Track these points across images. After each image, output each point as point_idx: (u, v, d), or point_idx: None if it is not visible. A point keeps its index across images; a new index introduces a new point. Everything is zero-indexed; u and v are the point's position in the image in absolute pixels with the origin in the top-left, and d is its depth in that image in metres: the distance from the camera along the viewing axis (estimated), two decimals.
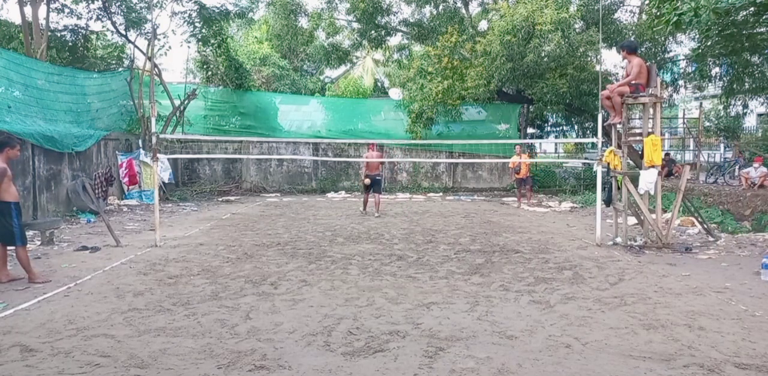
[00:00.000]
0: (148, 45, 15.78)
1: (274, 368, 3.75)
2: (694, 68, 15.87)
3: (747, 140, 20.02)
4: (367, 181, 12.03)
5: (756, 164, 12.17)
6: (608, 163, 8.67)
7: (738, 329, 4.52)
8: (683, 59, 17.18)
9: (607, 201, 9.24)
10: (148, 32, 15.80)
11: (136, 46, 16.31)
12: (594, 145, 10.50)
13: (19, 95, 10.93)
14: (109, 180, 12.92)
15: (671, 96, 18.71)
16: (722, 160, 20.25)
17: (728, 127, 21.52)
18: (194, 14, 16.24)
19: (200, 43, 17.21)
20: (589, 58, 15.59)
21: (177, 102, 16.06)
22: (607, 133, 10.37)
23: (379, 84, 28.77)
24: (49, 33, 14.12)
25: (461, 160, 18.16)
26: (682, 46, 17.72)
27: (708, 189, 12.35)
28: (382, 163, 13.06)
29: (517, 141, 17.80)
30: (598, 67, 14.68)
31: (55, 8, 14.81)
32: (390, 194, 17.69)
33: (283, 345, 4.16)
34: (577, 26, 15.71)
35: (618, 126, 8.57)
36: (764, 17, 9.11)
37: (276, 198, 16.60)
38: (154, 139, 8.59)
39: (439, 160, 18.74)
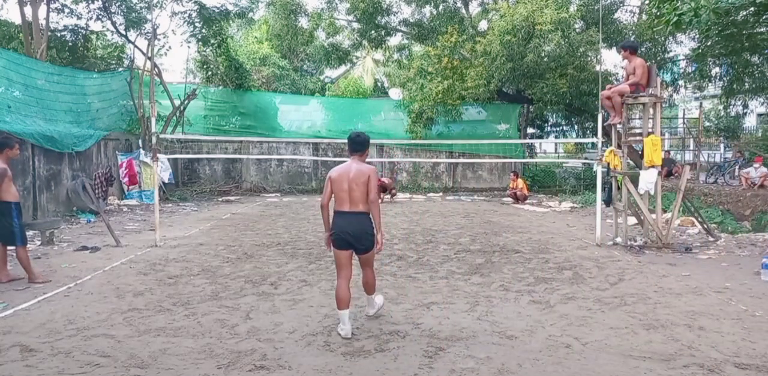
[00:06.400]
0: (148, 45, 15.77)
1: (274, 368, 3.75)
2: (694, 68, 15.87)
3: (747, 140, 19.99)
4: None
5: (756, 164, 12.16)
6: (608, 163, 8.68)
7: (738, 329, 4.52)
8: (683, 59, 17.17)
9: (607, 201, 9.24)
10: (148, 32, 15.79)
11: (136, 46, 16.30)
12: (594, 145, 10.49)
13: (19, 95, 10.93)
14: (109, 180, 12.91)
15: (671, 96, 18.70)
16: (722, 160, 20.21)
17: (728, 127, 21.50)
18: (194, 14, 16.23)
19: (200, 43, 17.19)
20: (589, 58, 15.58)
21: (177, 102, 16.04)
22: (607, 133, 10.37)
23: (379, 84, 28.73)
24: (49, 33, 14.10)
25: (461, 160, 18.17)
26: (682, 46, 17.73)
27: (708, 189, 12.35)
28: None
29: (516, 141, 17.89)
30: (598, 67, 14.67)
31: (55, 8, 14.80)
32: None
33: (283, 345, 4.16)
34: (577, 26, 15.70)
35: (618, 126, 8.58)
36: (764, 17, 9.12)
37: (276, 198, 16.59)
38: (154, 139, 8.59)
39: (439, 160, 18.70)
